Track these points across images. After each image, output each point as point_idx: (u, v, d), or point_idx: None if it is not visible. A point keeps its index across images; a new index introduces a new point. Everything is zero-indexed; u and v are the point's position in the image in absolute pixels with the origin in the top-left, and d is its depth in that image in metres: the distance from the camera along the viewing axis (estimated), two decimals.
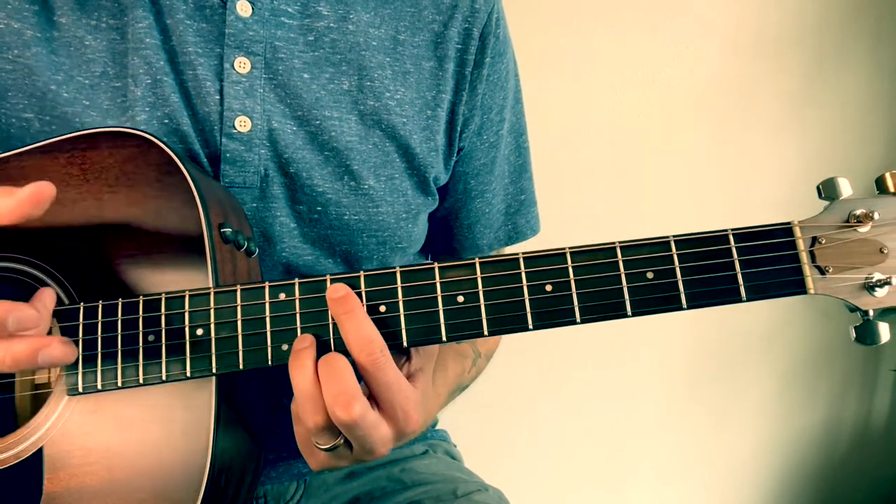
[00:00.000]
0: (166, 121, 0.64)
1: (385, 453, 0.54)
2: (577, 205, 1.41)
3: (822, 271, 0.52)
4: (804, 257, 0.51)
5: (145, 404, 0.54)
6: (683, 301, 0.51)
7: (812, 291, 0.51)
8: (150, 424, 0.54)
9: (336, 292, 0.52)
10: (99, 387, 0.54)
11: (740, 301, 0.51)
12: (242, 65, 0.66)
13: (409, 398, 0.52)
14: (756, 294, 0.51)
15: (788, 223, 0.52)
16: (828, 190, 0.54)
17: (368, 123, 0.70)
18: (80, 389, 0.54)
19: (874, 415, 1.70)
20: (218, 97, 0.65)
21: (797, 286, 0.51)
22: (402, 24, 0.73)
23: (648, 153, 1.44)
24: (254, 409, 0.60)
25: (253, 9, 0.66)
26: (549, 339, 1.39)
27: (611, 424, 1.55)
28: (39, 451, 0.54)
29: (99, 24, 0.64)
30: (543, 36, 1.34)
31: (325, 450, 0.52)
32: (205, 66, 0.65)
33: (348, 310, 0.51)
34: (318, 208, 0.70)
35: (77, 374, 0.54)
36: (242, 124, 0.66)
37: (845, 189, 0.54)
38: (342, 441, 0.52)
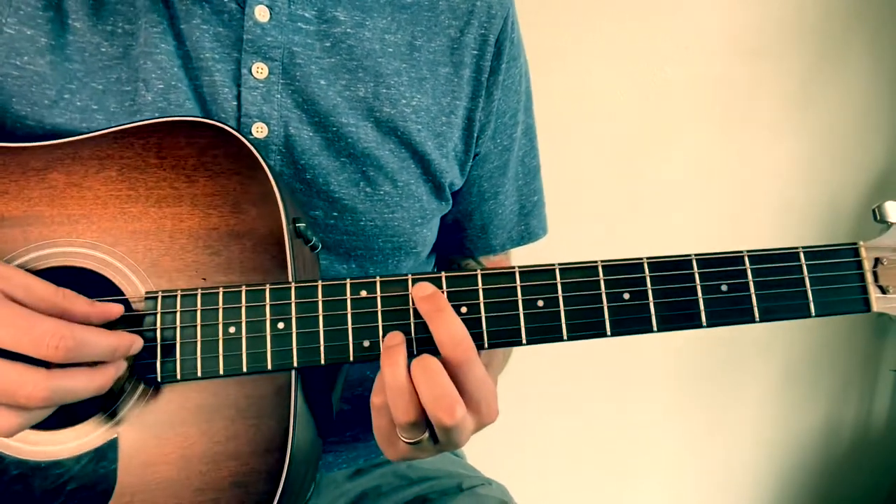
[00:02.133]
0: None
1: (465, 444, 0.55)
2: (576, 204, 1.42)
3: (883, 290, 0.55)
4: (869, 277, 0.54)
5: (222, 395, 0.54)
6: (756, 315, 0.53)
7: (875, 309, 0.54)
8: (227, 416, 0.54)
9: (424, 290, 0.53)
10: (178, 377, 0.54)
11: (809, 317, 0.54)
12: (260, 70, 0.65)
13: (493, 392, 0.54)
14: (824, 310, 0.54)
15: (855, 244, 0.55)
16: (881, 214, 0.57)
17: (384, 130, 0.70)
18: (159, 379, 0.54)
19: (874, 415, 1.73)
20: (235, 103, 0.65)
21: (862, 304, 0.54)
22: (419, 30, 0.73)
23: (648, 153, 1.45)
24: (319, 402, 0.60)
25: (271, 14, 0.65)
26: None
27: (611, 422, 1.57)
28: (114, 441, 0.53)
29: (115, 29, 0.64)
30: (543, 35, 1.34)
31: (410, 443, 0.53)
32: (222, 71, 0.65)
33: (439, 308, 0.52)
34: (335, 214, 0.70)
35: (156, 363, 0.54)
36: (259, 130, 0.66)
37: (892, 213, 0.57)
38: (427, 435, 0.53)
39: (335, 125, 0.68)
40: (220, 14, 0.65)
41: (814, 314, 0.54)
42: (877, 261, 0.55)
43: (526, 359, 1.46)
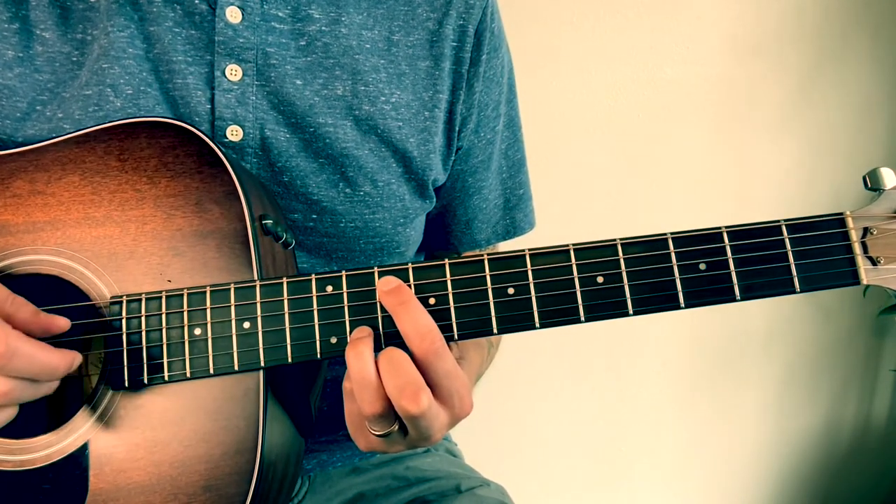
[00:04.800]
0: None
1: (440, 440, 0.54)
2: (576, 204, 1.41)
3: (873, 262, 0.52)
4: (857, 248, 0.51)
5: (191, 398, 0.53)
6: (737, 293, 0.51)
7: (865, 282, 0.51)
8: (197, 418, 0.53)
9: (388, 284, 0.52)
10: (145, 381, 0.53)
11: (794, 293, 0.51)
12: (234, 72, 0.64)
13: (465, 384, 0.52)
14: (809, 285, 0.51)
15: (840, 214, 0.52)
16: (873, 180, 0.54)
17: (364, 129, 0.69)
18: (126, 385, 0.53)
19: (874, 415, 1.71)
20: (209, 106, 0.64)
21: (851, 277, 0.51)
22: (396, 24, 0.71)
23: (648, 153, 1.44)
24: (296, 401, 0.59)
25: (243, 14, 0.64)
26: (548, 337, 1.39)
27: (611, 422, 1.56)
28: (85, 447, 0.53)
29: (85, 37, 0.63)
30: (543, 35, 1.34)
31: (380, 436, 0.52)
32: (195, 74, 0.64)
33: (403, 301, 0.51)
34: (314, 216, 0.69)
35: (123, 368, 0.53)
36: (234, 133, 0.65)
37: (889, 179, 0.54)
38: (397, 427, 0.52)
39: (312, 125, 0.67)
40: (192, 16, 0.64)
41: (798, 290, 0.51)
42: (866, 230, 0.52)
43: (525, 359, 1.45)
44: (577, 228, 1.40)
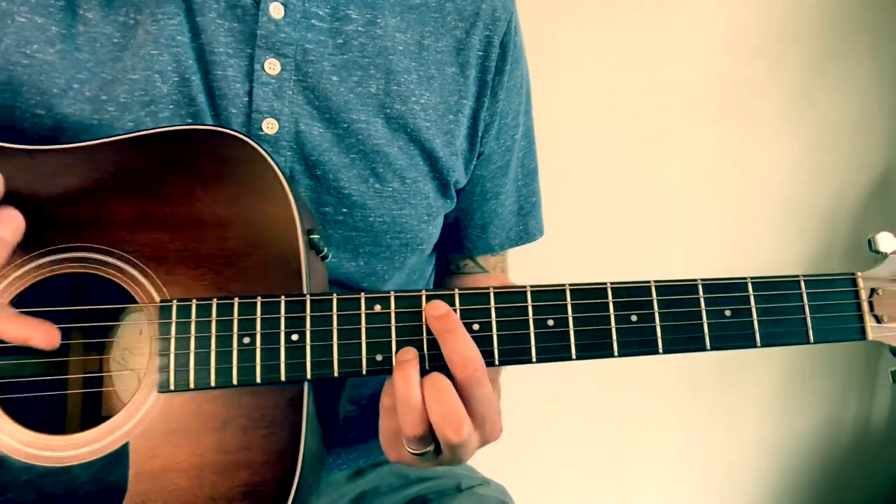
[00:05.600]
0: (189, 120, 0.64)
1: (468, 461, 0.57)
2: (576, 205, 1.42)
3: (878, 320, 0.57)
4: (865, 307, 0.56)
5: (234, 405, 0.55)
6: (758, 340, 0.55)
7: (870, 338, 0.56)
8: (239, 425, 0.54)
9: (437, 310, 0.54)
10: (191, 385, 0.54)
11: (807, 343, 0.56)
12: (272, 66, 0.66)
13: (497, 410, 0.55)
14: (822, 338, 0.56)
15: (853, 274, 0.57)
16: (873, 245, 0.60)
17: (394, 127, 0.72)
18: (172, 387, 0.54)
19: (874, 415, 1.72)
20: (246, 99, 0.65)
21: (859, 333, 0.56)
22: (427, 30, 0.74)
23: (647, 153, 1.45)
24: (327, 412, 0.61)
25: (285, 11, 0.66)
26: None
27: (611, 423, 1.57)
28: (125, 447, 0.54)
29: (127, 20, 0.64)
30: (542, 35, 1.34)
31: (415, 454, 0.54)
32: (234, 66, 0.65)
33: (451, 328, 0.53)
34: (344, 210, 0.71)
35: (169, 371, 0.54)
36: (270, 126, 0.66)
37: (884, 244, 0.60)
38: (433, 448, 0.54)
39: (346, 121, 0.69)
40: (235, 9, 0.65)
41: (812, 341, 0.56)
42: (872, 291, 0.57)
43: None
44: (577, 228, 1.42)
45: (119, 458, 0.54)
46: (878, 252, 0.60)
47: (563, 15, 1.35)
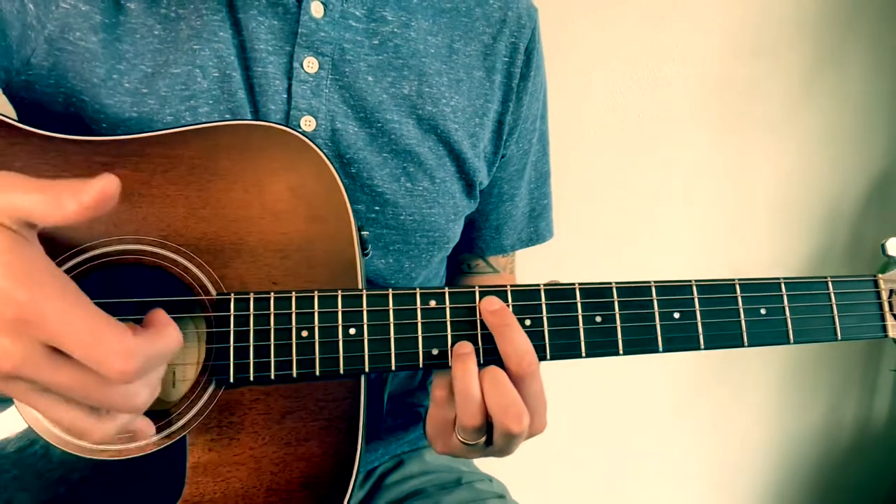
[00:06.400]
0: (228, 116, 0.65)
1: (513, 453, 0.58)
2: (576, 204, 1.44)
3: None
4: (886, 307, 0.60)
5: (293, 398, 0.55)
6: (791, 337, 0.59)
7: (891, 335, 0.61)
8: (298, 417, 0.55)
9: (493, 305, 0.56)
10: (251, 378, 0.54)
11: (834, 340, 0.60)
12: (311, 65, 0.67)
13: (545, 404, 0.57)
14: (847, 335, 0.60)
15: (874, 276, 0.61)
16: (887, 250, 0.64)
17: (425, 128, 0.73)
18: (232, 380, 0.54)
19: (874, 415, 1.76)
20: (285, 96, 0.66)
21: (880, 330, 0.60)
22: (457, 34, 0.76)
23: (647, 153, 1.47)
24: (372, 411, 0.62)
25: (325, 10, 0.67)
26: None
27: (611, 422, 1.59)
28: (183, 440, 0.54)
29: (168, 12, 0.64)
30: (542, 35, 1.34)
31: (466, 444, 0.56)
32: (274, 63, 0.66)
33: (506, 322, 0.55)
34: (376, 208, 0.72)
35: (229, 363, 0.54)
36: (307, 123, 0.67)
37: (892, 248, 0.64)
38: (484, 439, 0.56)
39: (380, 121, 0.70)
40: (276, 7, 0.66)
41: (840, 338, 0.59)
42: (892, 292, 0.61)
43: None
44: (577, 228, 1.43)
45: (176, 451, 0.54)
46: (889, 256, 0.64)
47: (563, 15, 1.37)
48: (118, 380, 0.42)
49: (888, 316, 0.61)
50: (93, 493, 0.53)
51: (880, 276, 0.61)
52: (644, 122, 1.44)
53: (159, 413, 0.54)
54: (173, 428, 0.54)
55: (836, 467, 1.80)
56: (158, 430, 0.53)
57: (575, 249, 1.42)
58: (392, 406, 0.83)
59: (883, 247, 0.64)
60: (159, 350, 0.45)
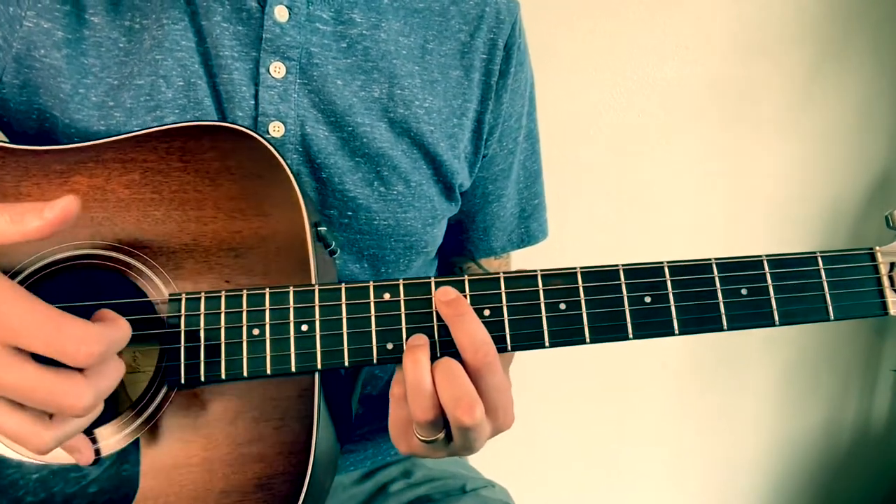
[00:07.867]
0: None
1: (479, 450, 0.56)
2: (576, 204, 1.43)
3: None
4: (885, 281, 0.55)
5: (245, 397, 0.54)
6: (776, 318, 0.54)
7: (892, 313, 0.55)
8: (251, 418, 0.54)
9: (447, 295, 0.54)
10: (202, 379, 0.54)
11: (828, 320, 0.54)
12: (278, 70, 0.66)
13: (510, 399, 0.54)
14: (842, 314, 0.54)
15: (871, 249, 0.56)
16: (893, 221, 0.58)
17: (397, 131, 0.71)
18: (183, 381, 0.53)
19: (874, 415, 1.73)
20: (252, 102, 0.66)
21: (880, 308, 0.55)
22: (431, 33, 0.74)
23: (647, 152, 1.45)
24: (340, 407, 0.60)
25: (290, 14, 0.66)
26: None
27: (611, 423, 1.57)
28: (136, 444, 0.53)
29: (133, 24, 0.64)
30: (542, 35, 1.35)
31: (425, 441, 0.54)
32: (240, 70, 0.65)
33: (461, 313, 0.52)
34: (349, 213, 0.71)
35: (179, 365, 0.54)
36: (276, 129, 0.66)
37: None
38: (443, 435, 0.53)
39: (350, 125, 0.69)
40: (240, 12, 0.66)
41: (833, 318, 0.54)
42: (892, 265, 0.56)
43: (527, 360, 1.45)
44: (577, 228, 1.42)
45: (130, 454, 0.53)
46: (894, 228, 0.58)
47: (563, 15, 1.36)
48: (84, 362, 0.44)
49: (888, 292, 0.55)
50: (47, 498, 0.53)
51: (878, 248, 0.56)
52: (644, 121, 1.43)
53: (112, 416, 0.54)
54: (126, 431, 0.53)
55: (836, 467, 1.76)
56: (109, 435, 0.53)
57: (574, 249, 1.40)
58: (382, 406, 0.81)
59: (887, 218, 0.59)
60: (116, 337, 0.47)
